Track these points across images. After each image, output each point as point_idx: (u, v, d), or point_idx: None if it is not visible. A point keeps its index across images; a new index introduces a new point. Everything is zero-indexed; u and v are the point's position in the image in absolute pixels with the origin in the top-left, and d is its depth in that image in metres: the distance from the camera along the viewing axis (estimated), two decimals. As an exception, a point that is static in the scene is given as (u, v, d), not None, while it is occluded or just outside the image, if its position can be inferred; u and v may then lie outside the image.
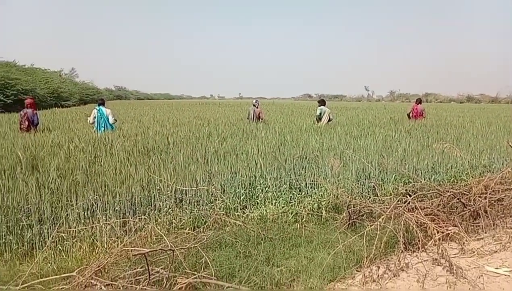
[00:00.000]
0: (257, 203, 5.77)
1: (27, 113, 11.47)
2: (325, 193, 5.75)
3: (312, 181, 6.11)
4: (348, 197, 5.47)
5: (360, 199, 5.68)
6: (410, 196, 5.64)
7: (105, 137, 9.18)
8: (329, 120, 13.47)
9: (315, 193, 5.82)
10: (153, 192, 5.55)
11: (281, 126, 12.38)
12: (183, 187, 5.66)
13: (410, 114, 16.37)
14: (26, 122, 11.40)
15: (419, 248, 4.55)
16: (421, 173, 6.83)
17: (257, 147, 8.18)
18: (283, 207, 5.57)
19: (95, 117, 11.47)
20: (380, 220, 4.58)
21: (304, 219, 5.31)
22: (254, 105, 14.54)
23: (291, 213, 5.46)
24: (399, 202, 5.23)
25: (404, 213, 4.83)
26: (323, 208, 5.55)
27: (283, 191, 5.86)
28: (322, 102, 13.88)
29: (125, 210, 5.23)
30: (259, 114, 14.28)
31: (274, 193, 5.83)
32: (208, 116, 19.27)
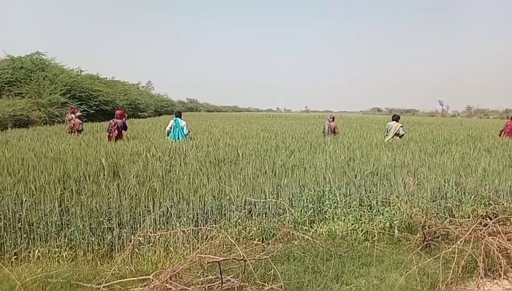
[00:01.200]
0: (326, 218, 5.71)
1: (117, 123, 12.50)
2: (398, 212, 5.56)
3: (384, 199, 5.93)
4: (423, 217, 5.25)
5: (436, 219, 5.42)
6: (490, 219, 5.29)
7: (180, 148, 9.59)
8: (400, 135, 12.91)
9: (387, 211, 5.64)
10: (223, 202, 5.71)
11: (349, 141, 12.14)
12: (252, 198, 5.75)
13: (503, 132, 14.78)
14: (116, 131, 12.36)
15: (500, 275, 4.24)
16: (503, 195, 6.36)
17: (325, 161, 8.10)
18: (352, 224, 5.46)
19: (171, 127, 12.21)
20: (458, 243, 4.34)
21: (375, 238, 5.16)
22: (328, 120, 14.69)
23: (361, 231, 5.34)
24: (478, 225, 4.92)
25: (484, 236, 4.54)
26: (396, 227, 5.37)
27: (353, 208, 5.75)
28: (392, 117, 13.47)
29: (197, 218, 5.44)
30: (334, 128, 14.31)
31: (344, 209, 5.74)
32: (275, 129, 19.40)
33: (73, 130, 14.43)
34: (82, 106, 29.24)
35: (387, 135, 12.94)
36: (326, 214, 5.73)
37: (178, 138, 11.95)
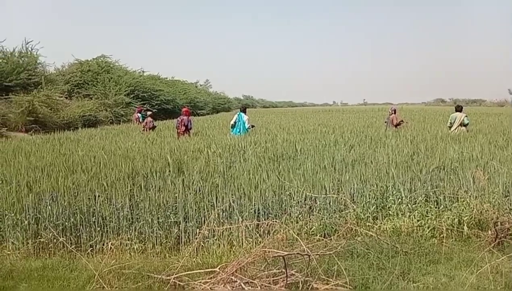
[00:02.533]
0: (389, 214, 5.58)
1: (183, 119, 13.44)
2: (467, 208, 5.31)
3: (452, 194, 5.67)
4: (494, 213, 4.98)
5: (509, 216, 5.11)
6: None
7: (239, 144, 9.77)
8: (465, 125, 12.40)
9: (455, 207, 5.40)
10: (283, 197, 5.76)
11: (412, 134, 11.71)
12: (312, 193, 5.74)
13: None
14: (183, 128, 13.32)
15: None
16: None
17: (387, 155, 7.90)
18: (418, 220, 5.30)
19: (235, 121, 12.87)
20: (536, 241, 4.08)
21: (442, 234, 4.97)
22: (389, 113, 14.56)
23: (428, 227, 5.17)
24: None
25: None
26: (465, 224, 5.13)
27: (418, 204, 5.57)
28: (456, 108, 13.11)
29: (258, 213, 5.53)
30: (392, 120, 14.08)
31: (409, 205, 5.58)
32: (332, 123, 19.14)
33: (145, 129, 15.49)
34: (145, 106, 30.60)
35: (451, 126, 12.55)
36: (390, 210, 5.60)
37: (240, 132, 12.46)
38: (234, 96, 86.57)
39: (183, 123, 13.34)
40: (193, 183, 6.07)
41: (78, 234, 5.45)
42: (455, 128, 12.35)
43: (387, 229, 5.27)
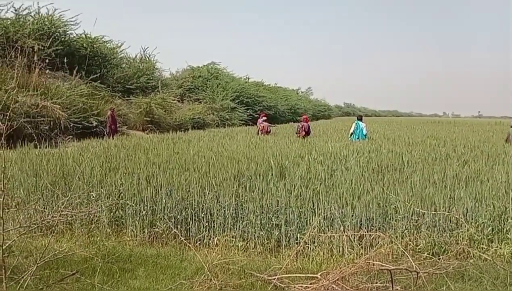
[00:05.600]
0: (508, 238, 5.10)
1: (304, 126, 16.19)
2: None
3: None
4: None
5: None
6: None
7: (340, 152, 9.66)
8: None
9: None
10: (388, 210, 5.57)
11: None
12: (420, 209, 5.47)
13: None
14: (303, 132, 15.82)
15: None
16: None
17: (507, 174, 7.20)
18: (543, 248, 4.75)
19: (354, 129, 14.53)
20: None
21: None
22: None
23: (555, 257, 4.60)
24: None
25: None
26: None
27: (544, 230, 5.00)
28: None
29: (361, 224, 5.42)
30: None
31: (531, 230, 5.03)
32: (443, 136, 17.92)
33: (263, 132, 17.47)
34: (248, 111, 31.73)
35: None
36: (508, 234, 5.11)
37: (358, 138, 14.05)
38: (335, 104, 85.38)
39: (303, 128, 16.02)
40: (294, 187, 6.15)
41: (188, 228, 5.86)
42: None
43: (505, 254, 4.82)
